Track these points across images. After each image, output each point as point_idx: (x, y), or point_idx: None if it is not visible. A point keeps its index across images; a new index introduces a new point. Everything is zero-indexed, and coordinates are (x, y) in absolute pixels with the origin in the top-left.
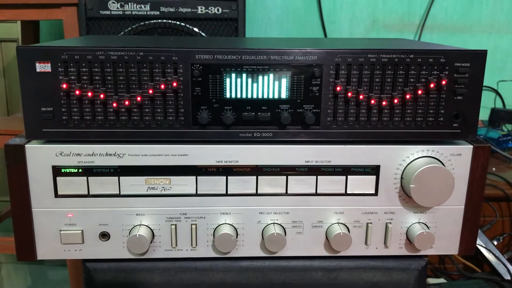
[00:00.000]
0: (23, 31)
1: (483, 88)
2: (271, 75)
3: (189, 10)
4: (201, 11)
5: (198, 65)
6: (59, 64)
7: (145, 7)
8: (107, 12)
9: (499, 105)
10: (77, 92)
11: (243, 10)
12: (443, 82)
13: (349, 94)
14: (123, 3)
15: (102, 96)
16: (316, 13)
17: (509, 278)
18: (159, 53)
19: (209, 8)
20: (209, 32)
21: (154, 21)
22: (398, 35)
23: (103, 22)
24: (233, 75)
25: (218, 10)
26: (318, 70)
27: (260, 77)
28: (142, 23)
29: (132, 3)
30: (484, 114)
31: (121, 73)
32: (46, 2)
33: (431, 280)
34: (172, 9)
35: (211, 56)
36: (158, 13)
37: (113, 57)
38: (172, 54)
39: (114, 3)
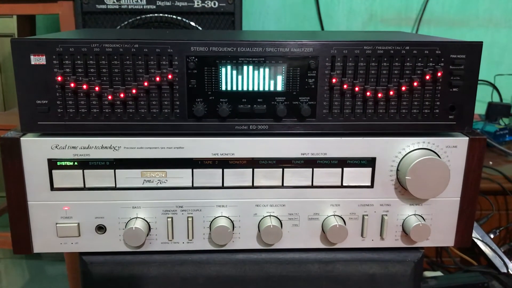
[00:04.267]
0: (19, 26)
1: (480, 82)
2: (267, 67)
3: (185, 4)
4: (198, 5)
5: (193, 57)
6: (54, 57)
7: (141, 1)
8: (103, 6)
9: (496, 99)
10: (72, 85)
11: (240, 3)
12: (439, 74)
13: (345, 86)
14: None
15: (97, 88)
16: (313, 7)
17: (505, 271)
18: (154, 45)
19: (206, 2)
20: (205, 26)
21: (151, 15)
22: (395, 29)
23: (99, 16)
24: (229, 67)
25: (214, 4)
26: (313, 62)
27: (256, 69)
28: (138, 17)
29: None
30: (481, 108)
31: (116, 66)
32: None
33: (428, 273)
34: (168, 3)
35: (206, 48)
36: (154, 7)
37: (108, 49)
38: (167, 46)
39: None
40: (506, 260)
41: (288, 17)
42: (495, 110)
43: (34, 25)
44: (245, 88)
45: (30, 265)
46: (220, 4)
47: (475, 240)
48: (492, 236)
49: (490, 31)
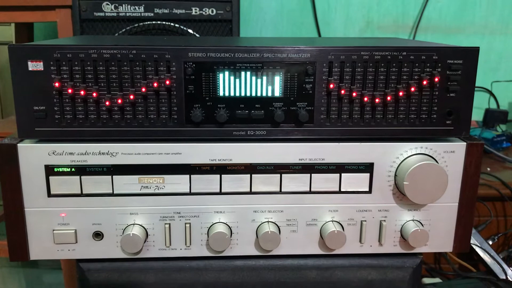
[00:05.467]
0: (17, 33)
1: (477, 88)
2: (264, 73)
3: (183, 11)
4: (195, 12)
5: (191, 63)
6: (52, 63)
7: (139, 8)
8: (101, 14)
9: (493, 105)
10: (70, 91)
11: (237, 11)
12: (436, 79)
13: (342, 92)
14: (117, 5)
15: (94, 94)
16: (310, 15)
17: (504, 277)
18: (152, 51)
19: (203, 10)
20: (203, 34)
21: (148, 22)
22: (392, 36)
23: (97, 24)
24: (226, 73)
25: (212, 11)
26: (311, 68)
27: (254, 75)
28: (136, 25)
29: (126, 4)
30: (478, 115)
31: (114, 72)
32: (40, 4)
33: (426, 280)
34: (166, 11)
35: (204, 54)
36: (152, 14)
37: (105, 55)
38: (165, 52)
39: (108, 4)
40: (505, 266)
41: (285, 24)
42: (492, 117)
43: (32, 33)
44: (242, 94)
45: (26, 273)
46: (218, 12)
47: (474, 246)
48: (490, 242)
49: (487, 38)
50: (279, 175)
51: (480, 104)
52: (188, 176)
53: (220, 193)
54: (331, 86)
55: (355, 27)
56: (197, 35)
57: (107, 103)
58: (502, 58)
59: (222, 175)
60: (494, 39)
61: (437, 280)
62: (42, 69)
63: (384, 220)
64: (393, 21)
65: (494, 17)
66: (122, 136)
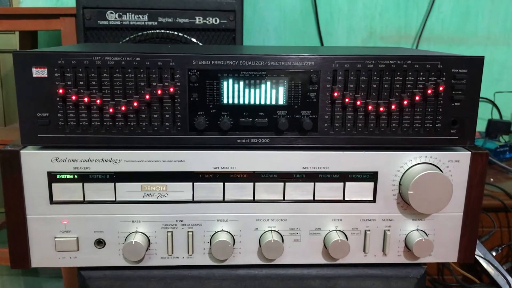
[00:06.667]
0: (21, 41)
1: (480, 99)
2: (268, 81)
3: (187, 20)
4: (199, 21)
5: (195, 71)
6: (56, 70)
7: (143, 17)
8: (105, 22)
9: (496, 116)
10: (74, 98)
11: (240, 20)
12: (441, 88)
13: (347, 100)
14: (121, 13)
15: (98, 101)
16: (313, 25)
17: None
18: (156, 58)
19: (207, 19)
20: (207, 43)
21: (152, 31)
22: (395, 46)
23: (101, 32)
24: (230, 80)
25: (216, 20)
26: (315, 76)
27: (257, 83)
28: (140, 33)
29: (130, 13)
30: (481, 126)
31: (117, 79)
32: (44, 12)
33: None
34: (170, 20)
35: (208, 62)
36: (156, 23)
37: (110, 62)
38: (169, 60)
39: (112, 13)
40: (509, 278)
41: (288, 34)
42: (495, 127)
43: (36, 41)
44: (246, 102)
45: (27, 281)
46: (221, 21)
47: (477, 257)
48: (494, 253)
49: (489, 48)
50: (282, 183)
51: (482, 115)
52: (191, 184)
53: (223, 201)
54: (335, 94)
55: (357, 37)
56: (201, 44)
57: (111, 110)
58: (504, 68)
59: (225, 183)
60: (497, 49)
61: None
62: (46, 75)
63: (388, 230)
64: (395, 31)
65: (497, 28)
66: (125, 143)
